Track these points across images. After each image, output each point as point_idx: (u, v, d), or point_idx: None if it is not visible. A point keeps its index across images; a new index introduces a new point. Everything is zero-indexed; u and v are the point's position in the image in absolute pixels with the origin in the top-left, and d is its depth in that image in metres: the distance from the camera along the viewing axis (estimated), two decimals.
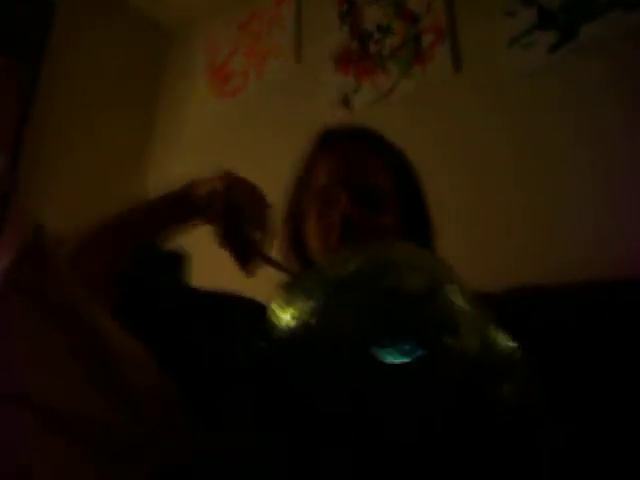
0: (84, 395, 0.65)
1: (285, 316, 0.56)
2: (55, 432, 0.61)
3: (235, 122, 2.12)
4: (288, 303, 0.57)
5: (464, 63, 1.57)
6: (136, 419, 0.67)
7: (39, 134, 2.10)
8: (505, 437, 0.48)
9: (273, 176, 1.08)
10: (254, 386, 0.55)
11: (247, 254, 0.82)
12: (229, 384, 0.61)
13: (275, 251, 0.95)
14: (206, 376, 0.82)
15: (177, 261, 1.78)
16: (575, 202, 1.28)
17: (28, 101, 2.09)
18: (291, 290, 0.58)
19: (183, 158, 2.27)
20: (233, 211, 0.81)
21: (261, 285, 0.83)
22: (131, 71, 2.42)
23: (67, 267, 0.74)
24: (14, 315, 0.65)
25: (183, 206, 0.90)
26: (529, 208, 1.34)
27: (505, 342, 0.52)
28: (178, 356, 0.86)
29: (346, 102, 1.79)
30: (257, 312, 0.60)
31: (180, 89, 2.43)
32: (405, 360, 0.49)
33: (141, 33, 2.48)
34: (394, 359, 0.49)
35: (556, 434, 0.50)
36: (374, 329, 0.51)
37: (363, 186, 0.94)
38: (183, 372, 0.83)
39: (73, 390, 0.65)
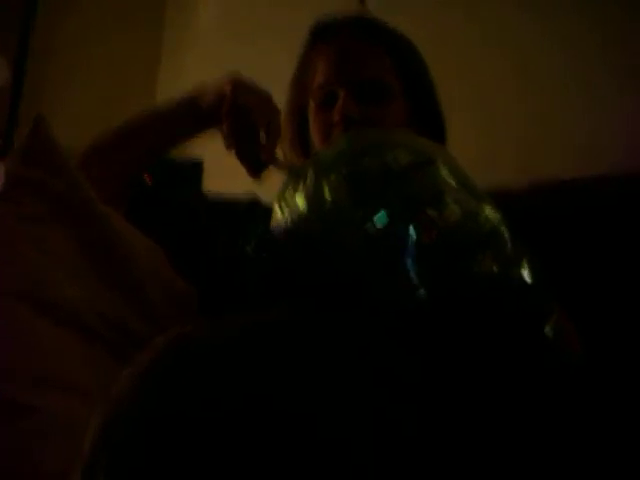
0: (99, 293, 0.67)
1: (281, 202, 0.59)
2: (72, 329, 0.63)
3: (244, 21, 2.04)
4: (284, 189, 0.60)
5: None
6: (151, 317, 0.69)
7: (45, 42, 2.05)
8: (487, 306, 0.49)
9: (285, 76, 1.05)
10: (262, 272, 0.58)
11: (255, 157, 0.80)
12: (240, 275, 0.63)
13: (280, 153, 0.94)
14: (220, 271, 0.84)
15: (191, 168, 1.78)
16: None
17: (33, 6, 2.02)
18: (287, 178, 0.61)
19: (193, 63, 2.21)
20: (240, 114, 0.80)
21: (274, 188, 0.83)
22: None
23: (76, 167, 0.75)
24: (25, 215, 0.66)
25: (192, 111, 0.90)
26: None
27: (490, 213, 0.53)
28: (192, 256, 0.88)
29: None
30: (268, 212, 0.61)
31: None
32: (386, 230, 0.51)
33: None
34: (376, 230, 0.51)
35: (544, 307, 0.51)
36: (356, 202, 0.53)
37: (362, 80, 0.90)
38: (197, 271, 0.85)
39: (87, 288, 0.66)
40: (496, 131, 1.35)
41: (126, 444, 0.39)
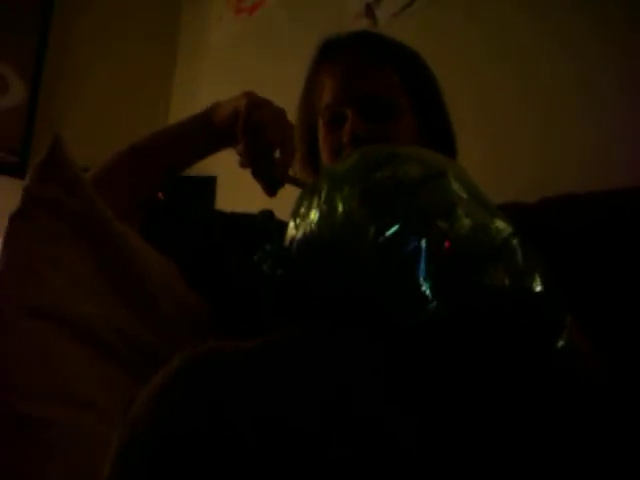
0: (115, 310, 0.67)
1: (296, 218, 0.59)
2: (89, 346, 0.63)
3: (255, 41, 2.07)
4: (298, 205, 0.60)
5: None
6: (165, 333, 0.69)
7: (59, 61, 2.08)
8: (499, 319, 0.49)
9: (298, 85, 1.05)
10: (277, 288, 0.58)
11: (270, 175, 0.81)
12: (254, 292, 0.63)
13: (294, 170, 0.95)
14: (234, 287, 0.84)
15: (205, 184, 1.80)
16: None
17: (47, 27, 2.06)
18: (302, 194, 0.61)
19: (206, 81, 2.23)
20: (255, 130, 0.80)
21: (288, 205, 0.83)
22: None
23: (92, 186, 0.75)
24: (41, 233, 0.66)
25: (206, 129, 0.90)
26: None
27: (501, 225, 0.53)
28: (206, 272, 0.88)
29: (369, 13, 1.72)
30: (283, 228, 0.61)
31: (200, 10, 2.37)
32: (398, 243, 0.51)
33: None
34: (388, 243, 0.51)
35: (557, 320, 0.51)
36: (368, 215, 0.53)
37: (369, 98, 0.90)
38: (212, 287, 0.86)
39: (104, 305, 0.67)
40: (497, 132, 1.35)
41: (142, 467, 0.39)
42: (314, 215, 0.56)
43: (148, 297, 0.71)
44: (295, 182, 0.81)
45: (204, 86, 2.23)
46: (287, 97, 0.96)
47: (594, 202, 0.89)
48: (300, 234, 0.57)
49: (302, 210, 0.58)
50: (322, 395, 0.43)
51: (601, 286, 0.76)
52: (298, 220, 0.58)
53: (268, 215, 1.00)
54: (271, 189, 0.82)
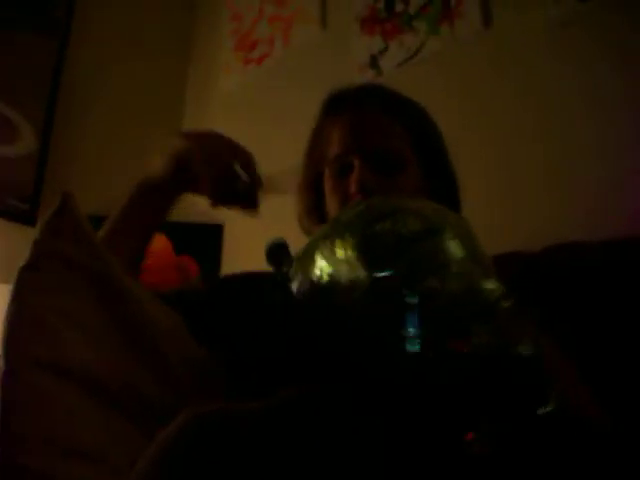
0: (122, 362, 0.67)
1: (300, 266, 0.61)
2: (95, 398, 0.63)
3: (262, 89, 2.11)
4: (304, 252, 0.62)
5: (494, 18, 1.53)
6: (172, 385, 0.69)
7: (69, 108, 2.12)
8: (485, 379, 0.49)
9: (303, 143, 1.07)
10: (288, 339, 0.59)
11: (243, 192, 0.82)
12: (266, 339, 0.63)
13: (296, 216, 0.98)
14: (247, 341, 0.84)
15: (211, 231, 1.80)
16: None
17: (58, 70, 2.09)
18: (309, 240, 0.63)
19: (213, 127, 2.27)
20: (212, 157, 0.82)
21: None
22: (158, 42, 2.42)
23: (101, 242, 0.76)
24: (50, 285, 0.67)
25: (151, 189, 0.91)
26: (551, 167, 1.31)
27: (493, 287, 0.53)
28: (214, 329, 0.88)
29: (374, 64, 1.76)
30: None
31: (207, 59, 2.42)
32: (389, 295, 0.52)
33: (167, 3, 2.48)
34: (380, 293, 0.53)
35: (543, 384, 0.50)
36: (364, 263, 0.55)
37: (376, 149, 0.91)
38: (220, 341, 0.85)
39: (112, 357, 0.67)
40: (503, 177, 1.38)
41: None
42: (318, 261, 0.58)
43: (157, 352, 0.71)
44: (273, 187, 0.81)
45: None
46: (293, 144, 0.98)
47: (597, 250, 0.90)
48: (304, 284, 0.58)
49: (307, 258, 0.60)
50: (324, 463, 0.43)
51: (605, 336, 0.76)
52: (302, 270, 0.59)
53: (281, 253, 1.00)
54: (251, 204, 0.82)
